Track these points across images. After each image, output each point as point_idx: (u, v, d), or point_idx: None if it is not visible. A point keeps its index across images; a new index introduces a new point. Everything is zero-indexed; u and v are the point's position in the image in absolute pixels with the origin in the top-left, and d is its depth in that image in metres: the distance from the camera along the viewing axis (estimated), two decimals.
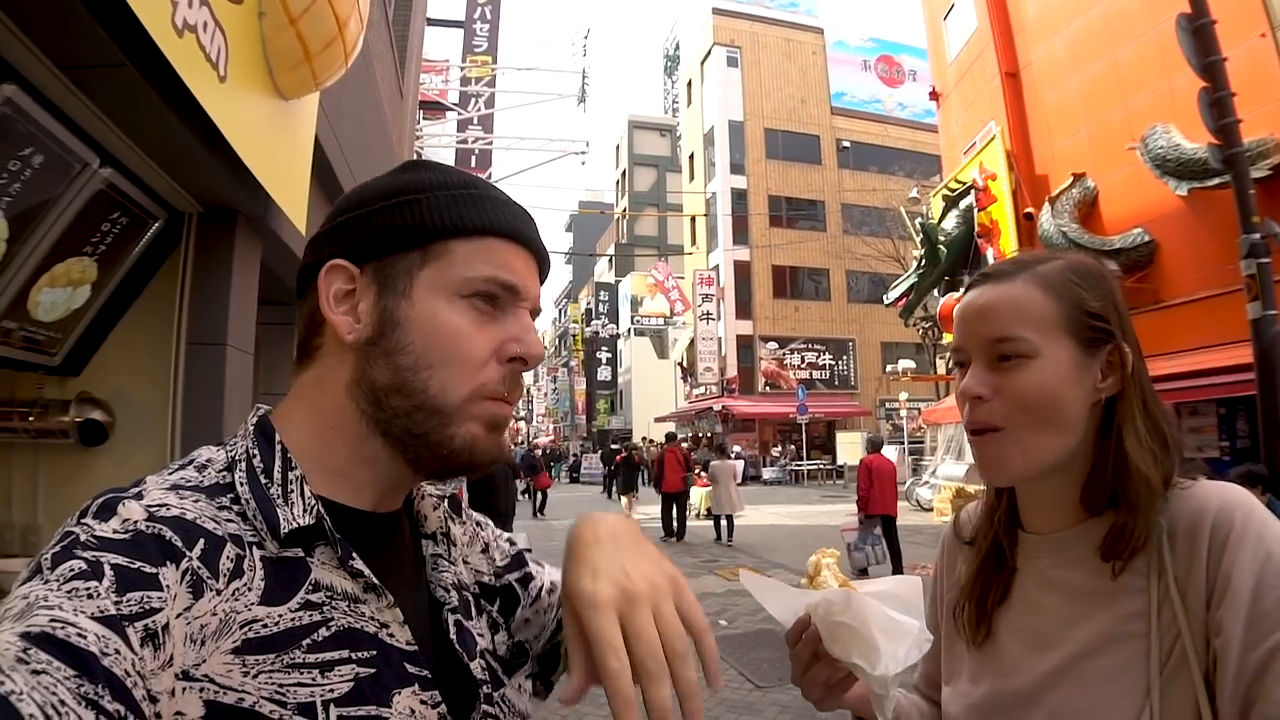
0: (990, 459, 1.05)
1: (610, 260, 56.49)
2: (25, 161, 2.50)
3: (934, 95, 21.47)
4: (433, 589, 0.87)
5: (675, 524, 16.20)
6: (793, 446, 33.08)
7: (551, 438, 66.11)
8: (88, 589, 0.59)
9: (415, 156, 16.23)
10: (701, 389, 37.98)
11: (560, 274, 70.25)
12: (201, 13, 2.49)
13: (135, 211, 3.27)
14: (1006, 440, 1.03)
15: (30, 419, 3.48)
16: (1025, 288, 1.04)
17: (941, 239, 18.99)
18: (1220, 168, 8.95)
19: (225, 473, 0.75)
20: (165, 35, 2.25)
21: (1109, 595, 0.99)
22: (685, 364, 40.76)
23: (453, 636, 0.84)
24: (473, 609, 0.91)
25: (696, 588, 10.87)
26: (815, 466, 32.77)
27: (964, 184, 18.58)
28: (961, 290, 1.14)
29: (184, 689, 0.61)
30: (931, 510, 18.99)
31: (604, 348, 54.38)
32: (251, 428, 0.79)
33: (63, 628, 0.56)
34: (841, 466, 30.33)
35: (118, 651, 0.57)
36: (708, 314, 37.29)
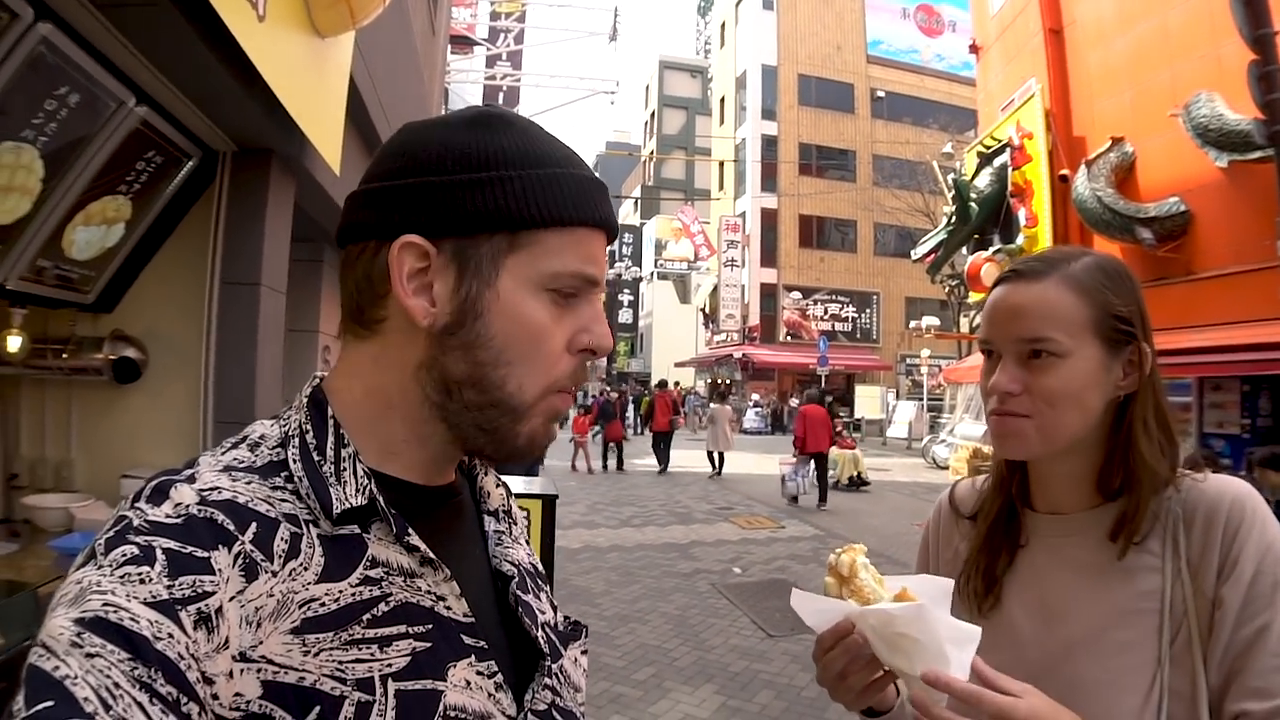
0: (1009, 434, 1.11)
1: (636, 203, 56.06)
2: (61, 100, 2.48)
3: (974, 48, 20.90)
4: (497, 563, 0.87)
5: (664, 457, 19.46)
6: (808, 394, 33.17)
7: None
8: (140, 574, 0.59)
9: (444, 93, 16.07)
10: (723, 335, 37.88)
11: None
12: None
13: (170, 150, 3.25)
14: (1030, 425, 1.09)
15: (64, 356, 3.52)
16: (1057, 289, 1.09)
17: (973, 196, 18.67)
18: (1264, 143, 8.73)
19: (279, 449, 0.74)
20: None
21: (1124, 573, 1.08)
22: (707, 310, 40.65)
23: (519, 611, 0.83)
24: (530, 585, 0.90)
25: (713, 535, 11.01)
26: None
27: (999, 141, 18.21)
28: (992, 284, 1.17)
29: (241, 670, 0.61)
30: (947, 469, 18.99)
31: (626, 290, 54.25)
32: (305, 399, 0.78)
33: (115, 612, 0.56)
34: (860, 420, 30.23)
35: (170, 635, 0.57)
36: (732, 260, 37.04)
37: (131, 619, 0.56)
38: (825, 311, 36.58)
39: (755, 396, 33.95)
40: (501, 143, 0.76)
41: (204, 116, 3.27)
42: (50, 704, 0.52)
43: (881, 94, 37.78)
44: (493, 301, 0.75)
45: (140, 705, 0.54)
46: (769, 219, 36.81)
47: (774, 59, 37.33)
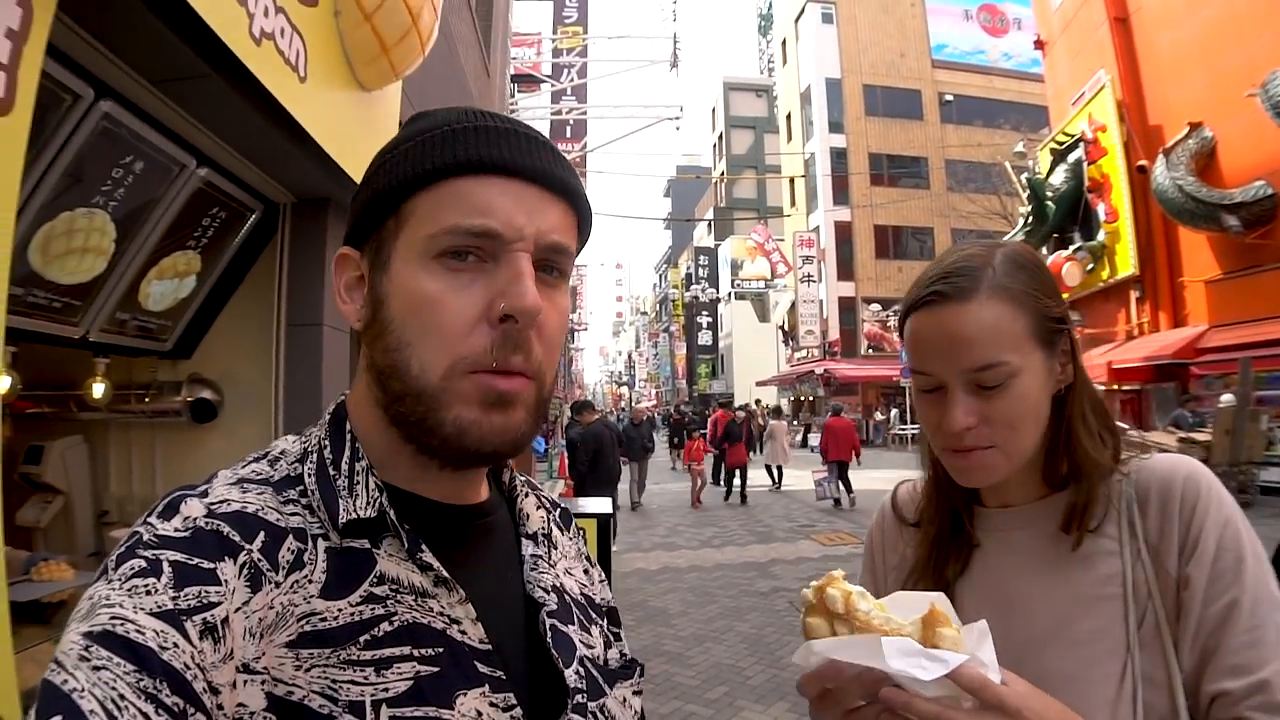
0: (976, 469, 1.07)
1: (709, 224, 56.23)
2: (127, 168, 2.74)
3: (1039, 44, 20.56)
4: (530, 589, 0.83)
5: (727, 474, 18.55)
6: (895, 410, 32.46)
7: (654, 402, 66.54)
8: (146, 585, 0.60)
9: None
10: (803, 352, 37.57)
11: (660, 239, 70.30)
12: (278, 20, 2.65)
13: (233, 205, 3.52)
14: (996, 454, 1.05)
15: (146, 400, 3.82)
16: (993, 306, 1.02)
17: (1049, 195, 18.26)
18: None
19: (297, 464, 0.75)
20: (244, 46, 2.42)
21: (1082, 561, 1.06)
22: (786, 327, 40.41)
23: (548, 640, 0.79)
24: (577, 616, 0.87)
25: (793, 553, 10.96)
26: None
27: (1072, 137, 17.82)
28: (906, 308, 1.10)
29: (245, 681, 0.62)
30: None
31: (704, 312, 54.36)
32: (328, 416, 0.79)
33: (122, 624, 0.57)
34: None
35: (176, 645, 0.58)
36: (808, 276, 36.79)
37: (137, 630, 0.57)
38: None
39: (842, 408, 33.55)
40: (400, 134, 0.78)
41: (262, 173, 3.54)
42: (58, 718, 0.53)
43: (949, 98, 37.07)
44: (388, 284, 0.74)
45: (145, 716, 0.54)
46: (843, 232, 36.46)
47: (837, 71, 37.10)
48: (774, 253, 40.99)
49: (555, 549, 0.91)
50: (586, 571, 0.99)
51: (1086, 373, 1.12)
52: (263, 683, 0.62)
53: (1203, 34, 14.27)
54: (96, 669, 0.55)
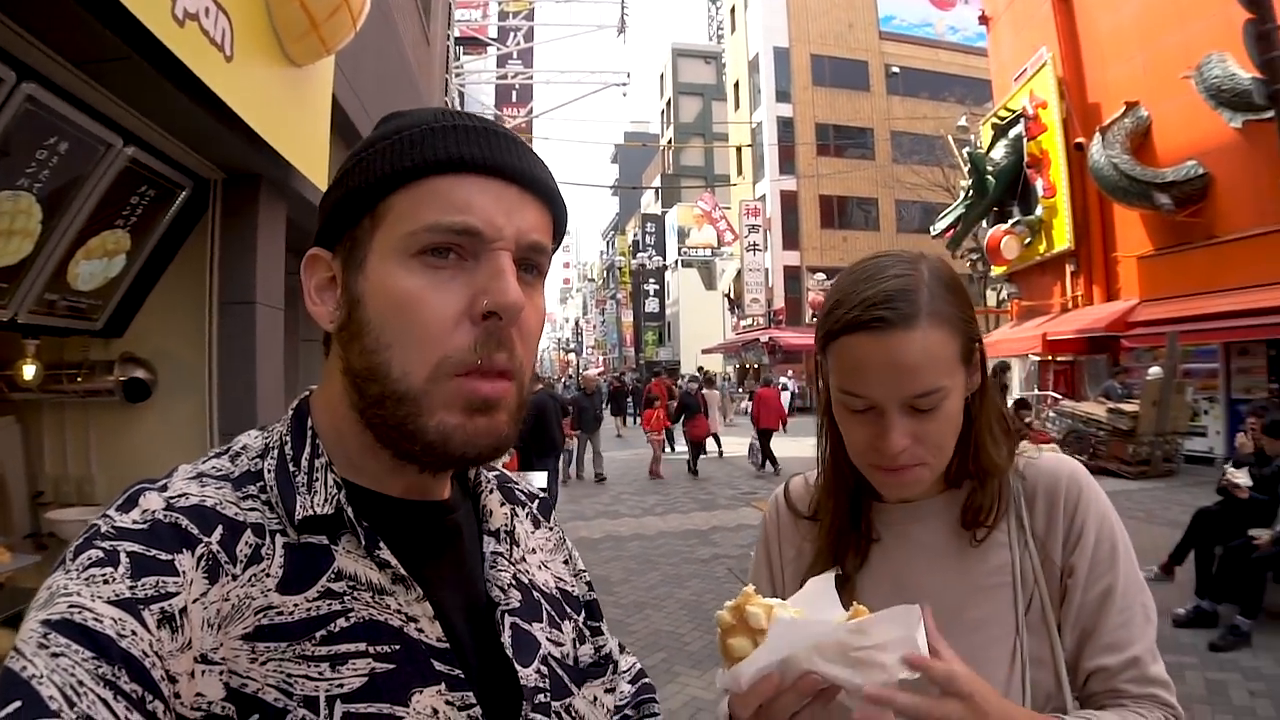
0: (907, 484, 1.10)
1: (656, 192, 56.08)
2: (52, 149, 2.70)
3: (983, 19, 20.81)
4: (488, 587, 0.82)
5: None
6: None
7: (601, 369, 66.58)
8: (104, 575, 0.60)
9: (455, 96, 16.28)
10: (749, 320, 37.91)
11: (607, 206, 69.91)
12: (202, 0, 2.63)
13: (161, 183, 3.48)
14: (924, 470, 1.08)
15: (78, 380, 3.78)
16: (934, 334, 1.03)
17: (990, 169, 18.58)
18: (1264, 102, 8.68)
19: (258, 460, 0.75)
20: (166, 28, 2.40)
21: (974, 554, 1.14)
22: (732, 295, 40.65)
23: (505, 639, 0.79)
24: (546, 612, 0.87)
25: (734, 520, 11.16)
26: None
27: (1014, 112, 18.15)
28: (838, 328, 1.07)
29: (203, 671, 0.62)
30: None
31: (651, 279, 54.31)
32: (291, 412, 0.79)
33: (80, 613, 0.58)
34: None
35: (134, 633, 0.58)
36: (754, 245, 37.02)
37: (95, 618, 0.58)
38: None
39: (784, 379, 33.96)
40: (374, 134, 0.78)
41: (191, 150, 3.50)
42: (18, 704, 0.53)
43: (896, 70, 37.31)
44: (364, 284, 0.73)
45: (105, 701, 0.55)
46: (789, 201, 36.70)
47: (785, 40, 37.09)
48: (720, 221, 41.08)
49: (518, 545, 0.90)
50: (567, 562, 0.99)
51: (990, 381, 1.16)
52: (221, 673, 0.63)
53: (1142, 15, 14.59)
54: (55, 656, 0.55)
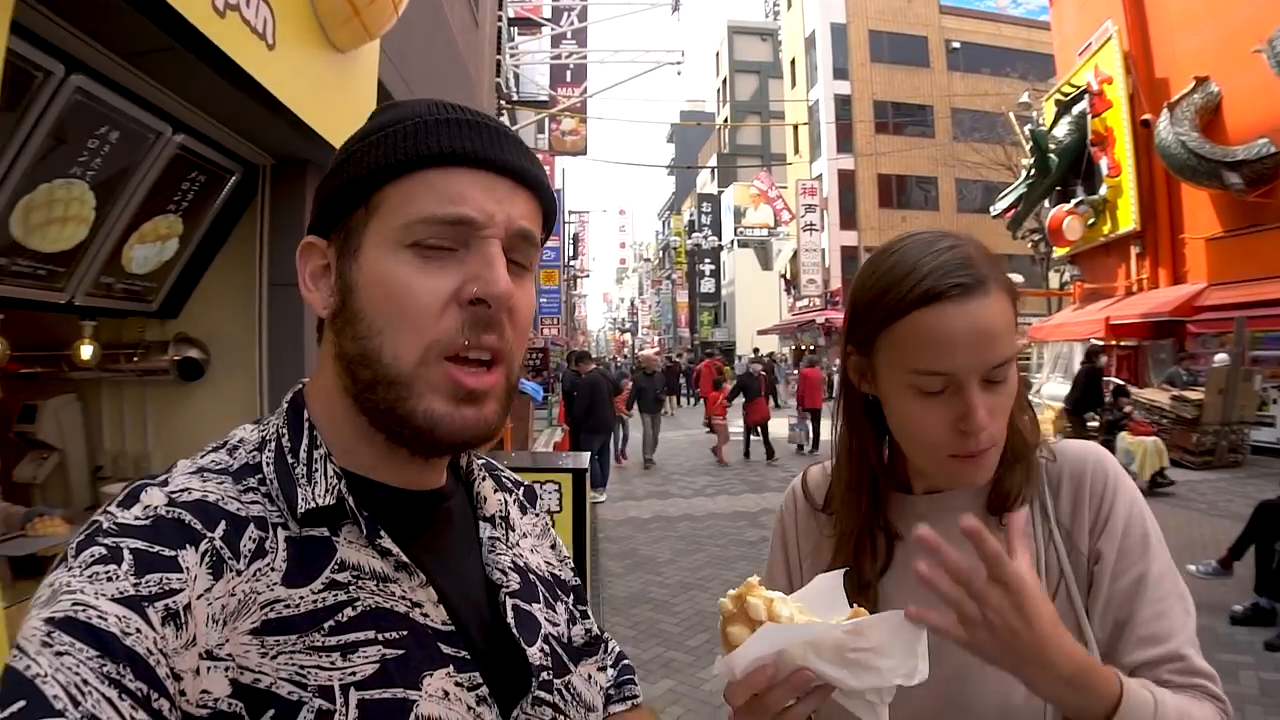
0: (985, 469, 1.04)
1: (712, 171, 55.76)
2: (103, 139, 2.80)
3: None
4: (489, 571, 0.84)
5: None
6: None
7: (657, 349, 66.63)
8: (107, 572, 0.60)
9: (509, 76, 16.36)
10: (805, 301, 37.54)
11: (663, 186, 69.73)
12: None
13: (211, 169, 3.58)
14: (994, 451, 1.03)
15: (135, 360, 3.93)
16: (1001, 300, 1.00)
17: (1052, 147, 18.08)
18: None
19: (255, 453, 0.75)
20: (207, 19, 2.45)
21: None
22: (789, 275, 40.30)
23: (509, 620, 0.81)
24: (542, 594, 0.89)
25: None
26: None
27: (1078, 88, 17.62)
28: (915, 300, 0.98)
29: (209, 668, 0.62)
30: None
31: (707, 259, 54.17)
32: (286, 404, 0.80)
33: (84, 610, 0.57)
34: None
35: (139, 630, 0.58)
36: (811, 225, 36.57)
37: (99, 616, 0.57)
38: None
39: (839, 362, 33.61)
40: (368, 125, 0.79)
41: (239, 137, 3.60)
42: (22, 703, 0.53)
43: (957, 45, 36.29)
44: (358, 273, 0.74)
45: (109, 700, 0.55)
46: (846, 180, 36.16)
47: (843, 16, 36.33)
48: (777, 200, 40.70)
49: (513, 530, 0.92)
50: (554, 547, 1.01)
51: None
52: (226, 669, 0.62)
53: None
54: (59, 654, 0.55)
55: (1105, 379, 12.97)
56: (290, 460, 0.74)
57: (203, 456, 0.75)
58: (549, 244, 21.30)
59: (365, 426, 0.75)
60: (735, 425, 16.11)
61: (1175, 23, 15.23)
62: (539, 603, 0.87)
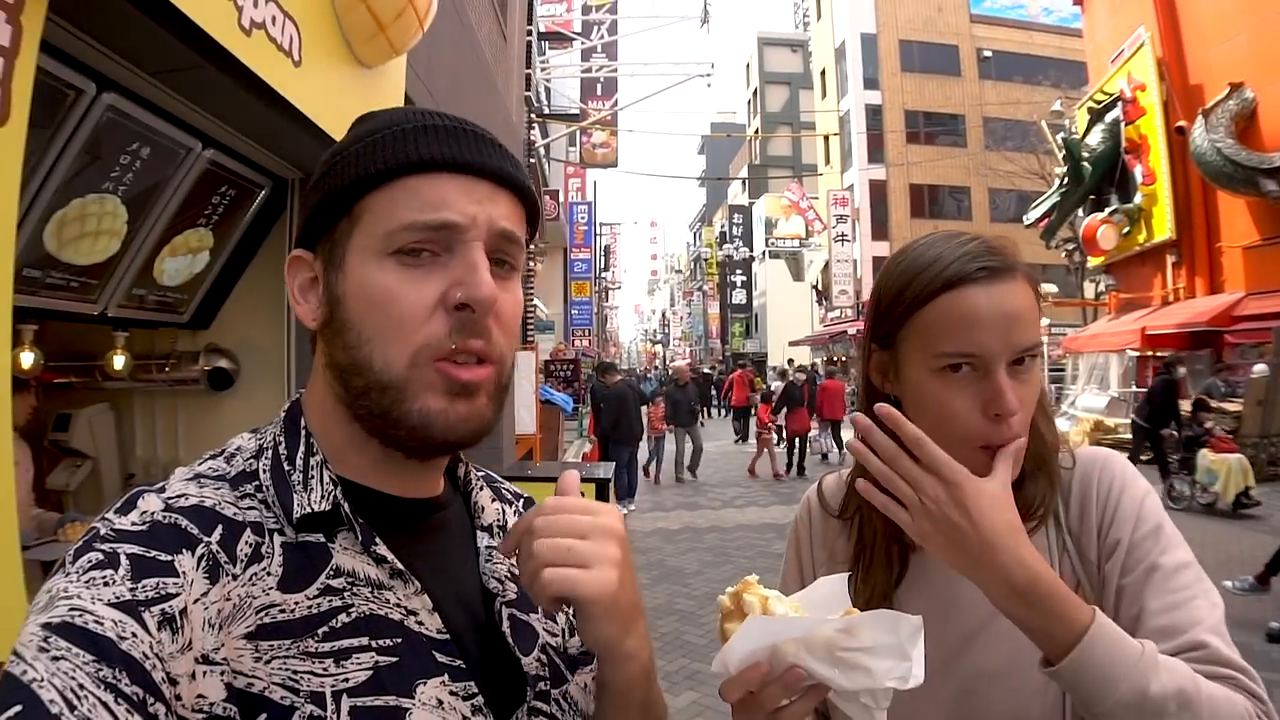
0: (1016, 461, 0.98)
1: (743, 182, 55.72)
2: (134, 154, 2.89)
3: None
4: (485, 580, 0.84)
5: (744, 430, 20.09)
6: None
7: (687, 361, 66.49)
8: (104, 578, 0.61)
9: (541, 90, 16.49)
10: (836, 312, 37.33)
11: (694, 198, 69.78)
12: (268, 9, 2.75)
13: (241, 183, 3.67)
14: (1021, 441, 0.99)
15: (167, 369, 4.04)
16: (1026, 288, 0.99)
17: (1085, 155, 17.86)
18: None
19: (252, 460, 0.76)
20: (233, 38, 2.52)
21: None
22: (820, 286, 40.13)
23: (505, 629, 0.81)
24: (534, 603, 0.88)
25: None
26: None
27: (1110, 95, 17.41)
28: (940, 285, 0.98)
29: (204, 672, 0.62)
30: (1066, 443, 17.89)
31: (738, 270, 54.06)
32: (283, 414, 0.80)
33: (80, 615, 0.58)
34: None
35: (134, 635, 0.59)
36: (842, 235, 36.40)
37: (96, 621, 0.58)
38: None
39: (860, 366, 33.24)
40: (348, 136, 0.80)
41: (268, 152, 3.68)
42: (18, 708, 0.53)
43: (988, 53, 36.02)
44: (344, 283, 0.75)
45: (105, 705, 0.55)
46: (878, 191, 35.98)
47: (873, 26, 36.25)
48: (809, 210, 40.56)
49: None
50: None
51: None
52: (222, 674, 0.63)
53: None
54: (56, 659, 0.56)
55: (1127, 390, 12.71)
56: (287, 467, 0.74)
57: (200, 464, 0.75)
58: (581, 255, 21.39)
59: (359, 434, 0.76)
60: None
61: (1208, 28, 15.03)
62: (535, 612, 0.86)
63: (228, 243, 3.87)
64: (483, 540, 0.87)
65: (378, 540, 0.73)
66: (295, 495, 0.72)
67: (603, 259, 40.44)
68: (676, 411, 14.65)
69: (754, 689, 0.82)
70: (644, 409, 13.23)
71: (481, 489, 0.92)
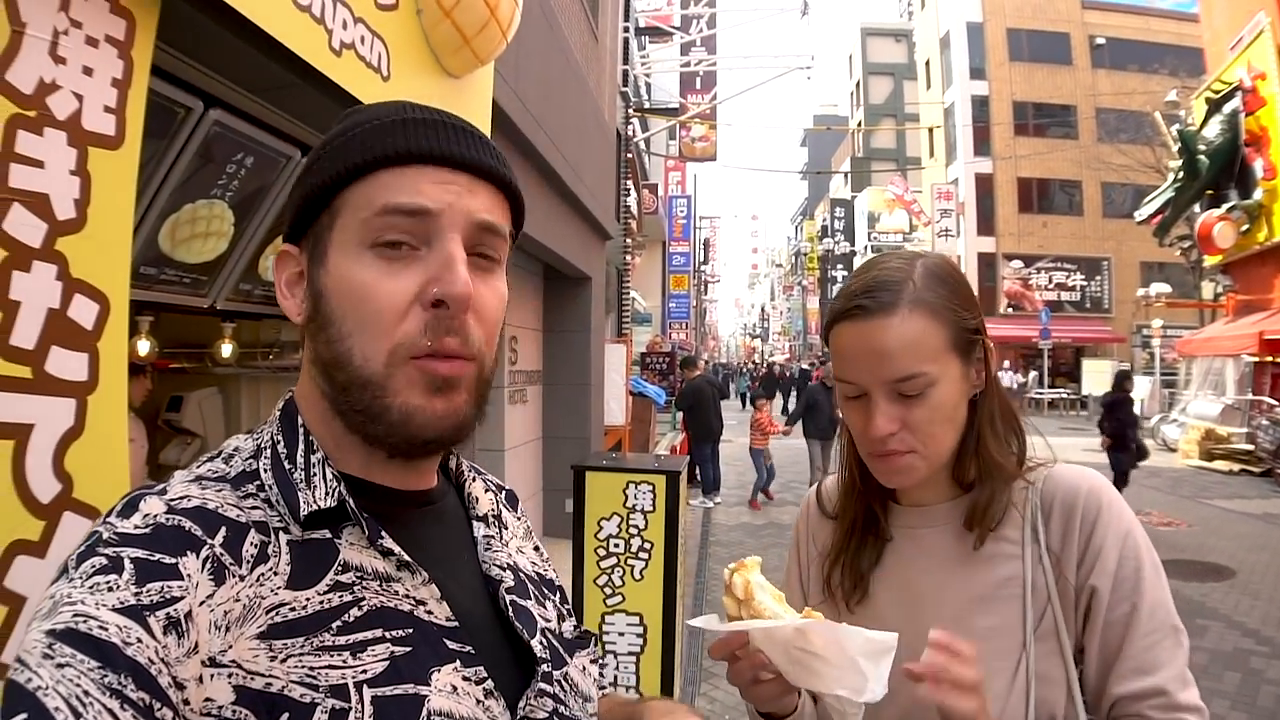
0: (897, 471, 1.13)
1: (845, 176, 54.84)
2: (239, 164, 3.17)
3: None
4: (486, 568, 0.86)
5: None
6: (1034, 373, 31.07)
7: (787, 356, 65.91)
8: (108, 582, 0.60)
9: (641, 85, 16.64)
10: None
11: (796, 191, 69.00)
12: (357, 30, 2.99)
13: None
14: (915, 458, 1.12)
15: (270, 357, 4.39)
16: (913, 320, 1.08)
17: (1202, 148, 16.92)
18: None
19: (251, 460, 0.76)
20: (325, 59, 2.75)
21: (984, 561, 1.13)
22: None
23: (510, 614, 0.83)
24: (533, 592, 0.91)
25: None
26: (1056, 396, 30.47)
27: (1229, 85, 16.42)
28: (830, 320, 1.18)
29: (212, 675, 0.62)
30: (1175, 451, 16.86)
31: (839, 265, 53.26)
32: (278, 412, 0.81)
33: (85, 621, 0.57)
34: (1086, 397, 28.00)
35: (140, 640, 0.58)
36: (946, 230, 35.48)
37: (100, 627, 0.57)
38: (1050, 280, 34.08)
39: (1006, 363, 31.94)
40: (328, 134, 0.82)
41: None
42: (24, 716, 0.53)
43: (1101, 41, 34.37)
44: (326, 278, 0.76)
45: (111, 712, 0.55)
46: (984, 185, 34.88)
47: (979, 15, 35.06)
48: (914, 204, 39.70)
49: (505, 529, 0.95)
50: (536, 549, 1.03)
51: (998, 379, 1.21)
52: (230, 676, 0.62)
53: None
54: (60, 666, 0.55)
55: (1238, 398, 12.00)
56: (288, 466, 0.75)
57: (199, 466, 0.76)
58: (680, 249, 21.41)
59: (343, 429, 0.77)
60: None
61: None
62: (531, 599, 0.89)
63: None
64: (480, 530, 0.90)
65: (383, 534, 0.74)
66: (300, 493, 0.73)
67: (702, 252, 40.45)
68: (816, 417, 11.51)
69: (740, 654, 0.98)
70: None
71: (474, 479, 0.95)
